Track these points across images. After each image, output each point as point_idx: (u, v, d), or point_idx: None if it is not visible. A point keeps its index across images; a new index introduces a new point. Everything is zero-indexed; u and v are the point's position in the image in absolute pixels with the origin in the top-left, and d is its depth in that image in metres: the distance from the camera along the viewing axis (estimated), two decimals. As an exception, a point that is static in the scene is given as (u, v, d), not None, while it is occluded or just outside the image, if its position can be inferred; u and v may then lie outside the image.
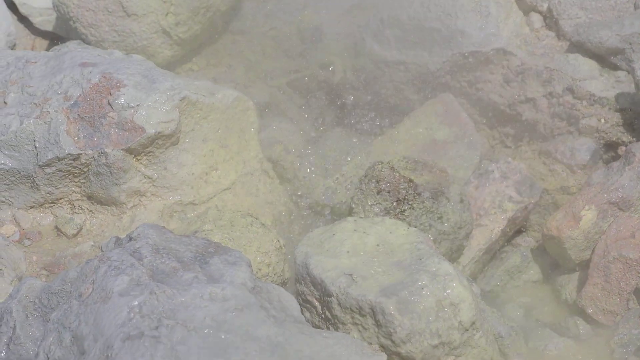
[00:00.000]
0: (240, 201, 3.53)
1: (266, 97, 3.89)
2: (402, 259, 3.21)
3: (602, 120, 3.66)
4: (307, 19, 3.98)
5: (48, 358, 2.86)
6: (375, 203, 3.46)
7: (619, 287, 3.46)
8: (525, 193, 3.60)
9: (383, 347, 3.05)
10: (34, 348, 2.93)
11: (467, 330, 3.14)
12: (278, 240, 3.50)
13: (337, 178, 3.74)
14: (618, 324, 3.43)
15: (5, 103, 3.52)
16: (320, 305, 3.22)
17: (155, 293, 2.79)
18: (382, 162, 3.54)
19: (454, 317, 3.10)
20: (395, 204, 3.46)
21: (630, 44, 3.70)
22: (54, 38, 4.14)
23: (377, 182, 3.51)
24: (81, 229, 3.46)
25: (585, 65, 3.76)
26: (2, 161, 3.41)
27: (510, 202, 3.58)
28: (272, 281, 3.34)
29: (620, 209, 3.52)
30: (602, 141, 3.69)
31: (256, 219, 3.51)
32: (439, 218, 3.44)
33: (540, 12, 3.92)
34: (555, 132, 3.70)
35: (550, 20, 3.95)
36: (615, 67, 3.78)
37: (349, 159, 3.81)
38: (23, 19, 4.19)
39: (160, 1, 3.83)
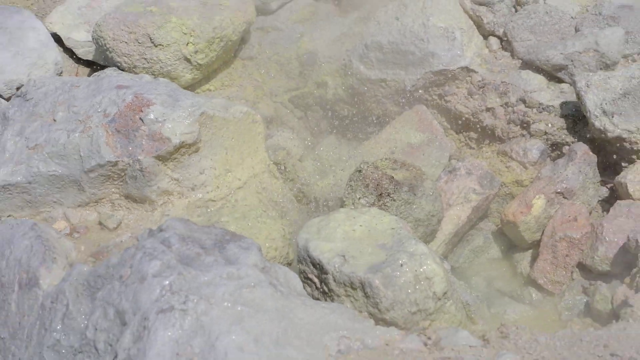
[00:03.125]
0: (251, 197, 3.56)
1: (271, 111, 3.96)
2: (386, 242, 3.25)
3: (549, 125, 3.71)
4: (304, 46, 4.05)
5: (96, 329, 2.93)
6: (362, 196, 3.52)
7: (565, 261, 3.49)
8: (487, 186, 3.66)
9: (371, 315, 3.08)
10: (84, 321, 2.98)
11: (439, 299, 3.19)
12: (283, 229, 3.55)
13: (331, 177, 3.82)
14: (564, 292, 3.48)
15: (54, 120, 3.56)
16: (319, 281, 3.26)
17: (182, 274, 2.87)
18: (367, 163, 3.60)
19: (429, 289, 3.16)
20: (378, 197, 3.53)
21: (572, 61, 3.77)
22: (94, 66, 4.13)
23: (364, 179, 3.57)
24: (120, 223, 3.51)
25: (535, 80, 3.81)
26: (54, 168, 3.45)
27: (474, 194, 3.63)
28: (278, 262, 3.37)
29: (565, 198, 3.56)
30: (549, 142, 3.72)
31: (264, 211, 3.56)
32: (415, 208, 3.51)
33: (497, 36, 3.97)
34: (511, 135, 3.75)
35: (506, 43, 3.97)
36: (559, 81, 3.82)
37: (341, 161, 3.88)
38: (67, 51, 4.20)
39: (181, 33, 3.87)
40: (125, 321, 2.91)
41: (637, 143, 3.48)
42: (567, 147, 3.72)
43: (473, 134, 3.86)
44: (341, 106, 3.90)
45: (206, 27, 3.91)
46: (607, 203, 3.65)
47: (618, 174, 3.60)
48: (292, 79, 3.97)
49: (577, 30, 3.92)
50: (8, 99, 3.96)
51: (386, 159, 3.67)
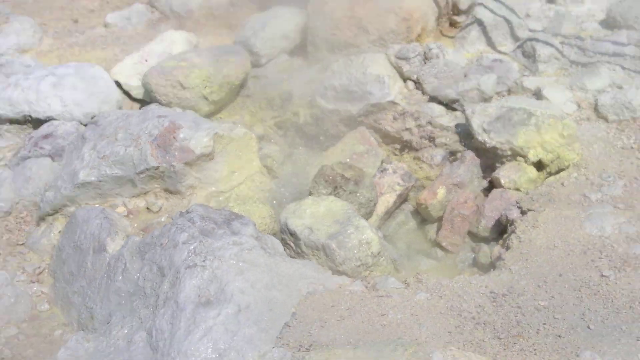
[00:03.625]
0: (248, 190, 3.65)
1: (262, 132, 4.02)
2: (339, 218, 3.31)
3: (448, 139, 3.76)
4: (284, 88, 4.11)
5: (145, 279, 3.04)
6: (323, 188, 3.59)
7: (459, 230, 3.52)
8: (407, 180, 3.68)
9: (329, 268, 3.17)
10: (136, 274, 3.08)
11: (375, 256, 3.26)
12: (270, 211, 3.62)
13: (303, 176, 3.90)
14: (459, 251, 3.54)
15: (116, 139, 3.63)
16: (294, 245, 3.34)
17: (202, 242, 2.98)
18: (326, 165, 3.66)
19: (368, 250, 3.23)
20: (334, 188, 3.58)
21: (462, 96, 3.85)
22: (143, 102, 4.24)
23: (324, 176, 3.62)
24: (161, 208, 3.57)
25: (438, 109, 3.83)
26: (116, 171, 3.51)
27: (398, 186, 3.66)
28: (267, 233, 3.40)
29: (459, 188, 3.62)
30: (448, 150, 3.77)
31: (257, 199, 3.64)
32: (359, 196, 3.55)
33: (412, 80, 3.98)
34: (422, 146, 3.77)
35: (418, 85, 3.99)
36: (454, 110, 3.89)
37: (308, 165, 3.96)
38: (125, 92, 4.30)
39: (201, 79, 3.96)
40: (164, 274, 3.02)
41: (505, 151, 3.53)
42: (460, 154, 3.79)
43: (397, 146, 3.92)
44: (309, 128, 3.98)
45: (218, 76, 4.00)
46: (487, 191, 3.67)
47: (494, 171, 3.63)
48: (276, 110, 4.07)
49: (465, 75, 3.97)
50: (85, 125, 4.00)
51: (339, 163, 3.73)
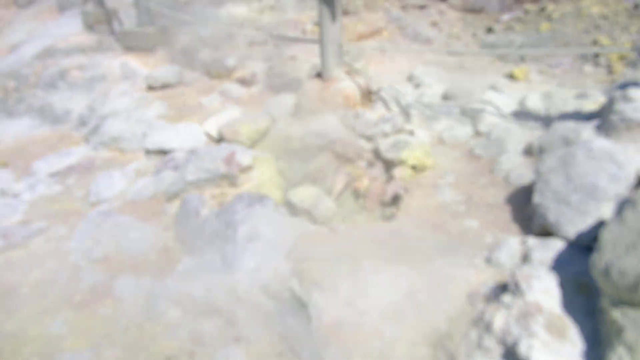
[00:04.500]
0: (270, 183, 3.59)
1: (276, 155, 4.00)
2: (315, 196, 3.37)
3: (369, 156, 3.76)
4: (287, 132, 4.12)
5: (219, 228, 3.12)
6: (307, 182, 3.67)
7: (375, 201, 3.59)
8: (349, 177, 3.71)
9: (311, 221, 3.25)
10: (216, 226, 3.12)
11: (333, 214, 3.36)
12: (281, 193, 3.59)
13: (297, 176, 3.87)
14: (375, 211, 3.63)
15: (205, 159, 3.69)
16: (293, 210, 3.32)
17: (247, 209, 3.07)
18: (309, 171, 3.75)
19: (329, 212, 3.33)
20: (312, 182, 3.65)
21: (374, 134, 3.91)
22: (219, 141, 4.22)
23: (308, 176, 3.70)
24: (228, 194, 3.65)
25: (363, 141, 3.94)
26: (205, 176, 3.56)
27: (344, 179, 3.73)
28: (280, 204, 3.31)
29: (374, 180, 3.63)
30: (369, 161, 3.87)
31: (275, 188, 3.61)
32: (325, 185, 3.68)
33: (350, 127, 4.11)
34: (356, 160, 3.78)
35: (353, 129, 4.13)
36: (371, 141, 3.98)
37: (300, 171, 3.92)
38: (209, 137, 4.28)
39: (246, 130, 3.94)
40: (229, 226, 3.08)
41: (396, 161, 3.53)
42: (374, 163, 3.76)
43: (344, 160, 3.86)
44: (300, 152, 3.92)
45: (255, 128, 4.02)
46: (388, 181, 3.64)
47: (391, 171, 3.64)
48: (283, 143, 4.05)
49: (375, 124, 3.94)
50: (190, 153, 4.00)
51: (315, 170, 3.71)
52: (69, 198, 3.95)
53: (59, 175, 4.31)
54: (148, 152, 4.28)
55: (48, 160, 4.57)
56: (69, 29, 8.27)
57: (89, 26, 7.79)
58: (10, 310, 2.84)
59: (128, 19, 7.53)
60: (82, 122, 5.29)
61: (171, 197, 3.65)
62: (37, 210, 3.78)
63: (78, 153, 4.67)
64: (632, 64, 4.34)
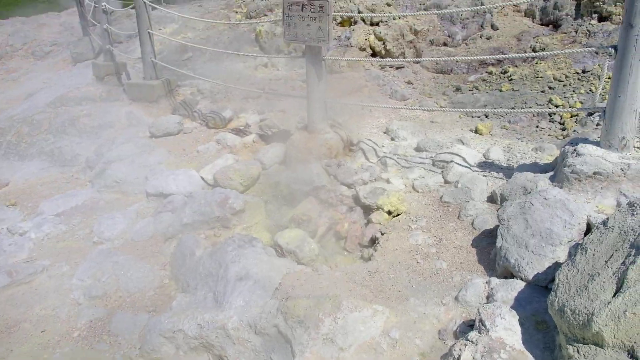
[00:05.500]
0: (260, 226, 3.56)
1: (266, 199, 3.96)
2: (300, 238, 3.35)
3: (349, 201, 3.72)
4: (276, 179, 4.12)
5: (212, 267, 3.05)
6: (293, 224, 3.57)
7: (355, 242, 3.55)
8: (331, 220, 3.73)
9: (296, 261, 3.23)
10: (209, 265, 3.10)
11: (316, 255, 3.33)
12: (269, 235, 3.60)
13: (284, 219, 3.85)
14: (354, 252, 3.62)
15: (201, 203, 3.64)
16: (280, 251, 3.29)
17: (238, 250, 3.02)
18: (295, 214, 3.64)
19: (313, 253, 3.32)
20: (298, 224, 3.59)
21: (355, 182, 3.91)
22: (214, 186, 4.16)
23: (294, 219, 3.67)
24: (220, 235, 3.65)
25: (344, 188, 3.87)
26: (200, 218, 3.58)
27: (326, 223, 3.73)
28: (268, 246, 3.36)
29: (354, 223, 3.63)
30: (349, 206, 3.76)
31: (264, 229, 3.66)
32: (309, 228, 3.67)
33: (332, 175, 4.11)
34: (338, 205, 3.73)
35: (334, 177, 4.07)
36: (351, 188, 3.93)
37: (288, 214, 3.91)
38: (205, 181, 4.26)
39: (239, 176, 3.94)
40: (221, 265, 3.03)
41: (374, 206, 3.53)
42: (353, 208, 3.75)
43: (327, 205, 3.83)
44: (288, 197, 3.92)
45: (247, 174, 4.00)
46: (366, 224, 3.64)
47: (369, 215, 3.64)
48: (272, 189, 4.04)
49: (356, 173, 3.94)
50: (187, 197, 3.96)
51: (300, 213, 3.69)
52: (73, 237, 3.90)
53: (64, 215, 4.27)
54: (149, 195, 4.26)
55: (55, 201, 4.54)
56: (81, 80, 8.36)
57: (99, 78, 7.88)
58: (12, 345, 2.78)
59: (135, 73, 7.64)
60: (89, 165, 5.28)
61: (168, 237, 3.63)
62: (42, 249, 3.73)
63: (83, 194, 4.64)
64: (582, 122, 4.47)
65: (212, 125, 5.48)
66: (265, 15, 8.77)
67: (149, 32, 6.23)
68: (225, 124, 5.50)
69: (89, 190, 4.67)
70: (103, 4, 7.36)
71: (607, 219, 2.13)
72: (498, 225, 2.93)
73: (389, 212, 3.55)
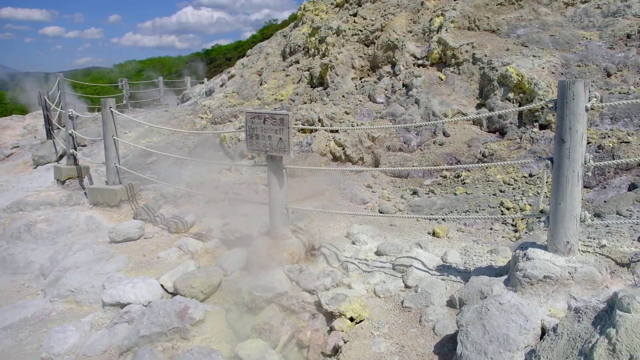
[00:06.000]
0: (220, 336, 3.37)
1: (227, 307, 3.82)
2: (262, 349, 3.29)
3: (311, 308, 3.73)
4: (237, 285, 4.06)
5: None
6: (255, 334, 3.50)
7: (317, 351, 3.43)
8: (293, 328, 3.67)
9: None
10: None
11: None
12: (229, 346, 3.46)
13: (246, 328, 3.74)
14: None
15: (160, 314, 3.58)
16: None
17: None
18: (256, 324, 3.64)
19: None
20: (259, 334, 3.55)
21: (316, 288, 3.92)
22: (174, 294, 4.11)
23: (256, 329, 3.62)
24: (179, 347, 3.54)
25: (306, 294, 3.86)
26: (158, 329, 3.46)
27: (289, 331, 3.71)
28: (229, 357, 3.36)
29: (316, 331, 3.60)
30: (311, 313, 3.75)
31: (224, 340, 3.51)
32: (271, 338, 3.61)
33: (295, 281, 4.10)
34: (300, 312, 3.67)
35: (297, 283, 4.09)
36: (313, 294, 3.91)
37: (249, 323, 3.82)
38: (165, 290, 4.16)
39: (200, 283, 3.82)
40: None
41: (337, 313, 3.47)
42: (315, 315, 3.69)
43: (289, 312, 3.79)
44: (249, 304, 3.81)
45: (208, 281, 3.94)
46: (329, 332, 3.57)
47: (332, 322, 3.56)
48: (234, 296, 3.97)
49: (318, 278, 3.97)
50: (145, 306, 3.84)
51: (263, 322, 3.58)
52: (20, 353, 3.68)
53: (11, 328, 4.05)
54: (105, 304, 4.13)
55: (2, 312, 4.32)
56: (41, 183, 8.33)
57: (61, 181, 7.88)
58: None
59: (97, 176, 7.69)
60: (42, 273, 5.12)
61: (124, 351, 3.48)
62: (-17, 369, 3.51)
63: (34, 305, 4.45)
64: (532, 225, 4.73)
65: (174, 230, 5.49)
66: (230, 121, 9.16)
67: (114, 139, 6.39)
68: (188, 228, 5.52)
69: (41, 301, 4.49)
70: (70, 110, 7.55)
71: (557, 325, 2.23)
72: (457, 332, 2.96)
73: (352, 319, 3.54)
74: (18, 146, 12.12)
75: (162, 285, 4.20)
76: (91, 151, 9.67)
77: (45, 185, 7.86)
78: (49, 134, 10.98)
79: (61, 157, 9.96)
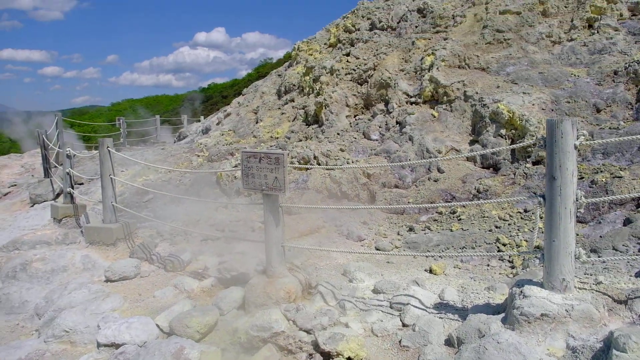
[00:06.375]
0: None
1: (223, 347, 3.79)
2: None
3: (308, 348, 3.69)
4: (234, 326, 4.02)
5: None
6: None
7: None
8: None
9: None
10: None
11: None
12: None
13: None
14: None
15: (155, 354, 3.52)
16: None
17: None
18: None
19: None
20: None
21: (314, 327, 3.84)
22: (170, 334, 4.05)
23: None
24: None
25: (303, 334, 3.72)
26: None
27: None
28: None
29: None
30: (309, 353, 3.68)
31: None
32: None
33: (292, 320, 4.04)
34: (297, 352, 3.63)
35: (294, 322, 3.93)
36: (310, 334, 3.79)
37: None
38: (161, 330, 4.11)
39: (197, 323, 3.74)
40: None
41: (334, 353, 3.38)
42: (312, 354, 3.66)
43: (286, 352, 3.74)
44: (247, 344, 3.80)
45: (204, 321, 3.88)
46: None
47: None
48: (230, 336, 3.93)
49: (315, 317, 3.91)
50: (141, 346, 3.77)
51: None
52: (12, 397, 3.61)
53: (3, 372, 3.98)
54: (100, 345, 4.07)
55: (-5, 354, 4.24)
56: (38, 221, 8.31)
57: (57, 220, 7.86)
58: None
59: (94, 215, 7.68)
60: (37, 313, 5.06)
61: (118, 393, 3.41)
62: (-24, 414, 3.42)
63: (28, 346, 4.36)
64: (528, 262, 4.74)
65: (170, 269, 5.46)
66: (226, 159, 9.24)
67: (111, 178, 6.43)
68: (184, 267, 5.50)
69: (35, 341, 4.41)
70: (68, 149, 7.62)
71: (555, 365, 2.21)
72: (457, 371, 2.93)
73: (349, 359, 3.50)
74: (15, 185, 12.14)
75: (157, 325, 4.14)
76: (88, 189, 9.69)
77: (42, 224, 7.84)
78: (47, 173, 11.01)
79: (58, 195, 9.96)
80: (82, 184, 10.28)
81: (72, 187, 7.94)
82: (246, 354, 3.77)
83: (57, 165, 9.83)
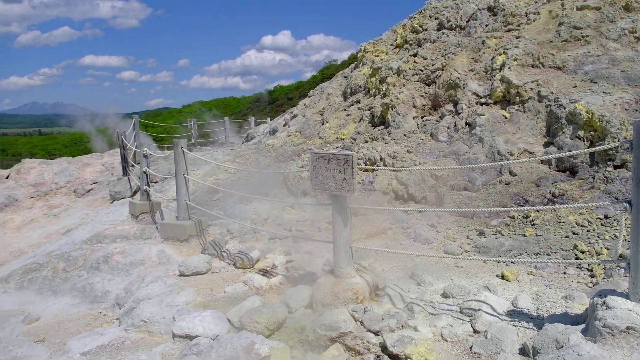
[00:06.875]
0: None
1: (292, 344, 3.81)
2: None
3: (376, 349, 3.67)
4: (302, 323, 4.05)
5: None
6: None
7: None
8: None
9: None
10: None
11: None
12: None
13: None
14: None
15: (227, 347, 3.64)
16: None
17: None
18: None
19: None
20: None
21: (382, 329, 3.81)
22: (240, 329, 4.14)
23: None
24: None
25: (371, 335, 3.78)
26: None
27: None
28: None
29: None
30: (376, 355, 3.69)
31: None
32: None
33: (360, 321, 4.02)
34: (365, 352, 3.61)
35: (361, 323, 3.96)
36: (378, 335, 3.82)
37: None
38: (231, 323, 4.20)
39: (266, 319, 3.78)
40: None
41: (402, 355, 3.38)
42: (380, 356, 3.64)
43: (353, 352, 3.74)
44: (315, 342, 3.74)
45: (273, 317, 3.96)
46: None
47: None
48: (298, 333, 3.95)
49: (382, 319, 3.89)
50: (214, 339, 3.93)
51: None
52: (97, 380, 3.85)
53: (90, 354, 4.25)
54: (175, 336, 4.25)
55: (82, 339, 4.55)
56: (117, 217, 8.81)
57: (135, 216, 8.30)
58: None
59: (168, 212, 8.04)
60: (118, 302, 5.37)
61: (194, 382, 3.54)
62: (65, 392, 3.67)
63: (110, 333, 4.65)
64: (610, 271, 4.46)
65: (239, 266, 5.62)
66: (293, 159, 9.37)
67: (184, 177, 6.70)
68: (253, 264, 5.63)
69: (116, 329, 4.69)
70: (144, 149, 8.02)
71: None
72: (533, 382, 2.82)
73: (418, 362, 3.44)
74: (97, 182, 12.96)
75: (229, 320, 4.28)
76: (162, 187, 10.16)
77: (121, 219, 8.30)
78: (125, 171, 11.66)
79: (135, 192, 10.53)
80: (157, 182, 10.80)
81: (148, 185, 8.37)
82: (314, 352, 3.80)
83: (134, 164, 10.38)
